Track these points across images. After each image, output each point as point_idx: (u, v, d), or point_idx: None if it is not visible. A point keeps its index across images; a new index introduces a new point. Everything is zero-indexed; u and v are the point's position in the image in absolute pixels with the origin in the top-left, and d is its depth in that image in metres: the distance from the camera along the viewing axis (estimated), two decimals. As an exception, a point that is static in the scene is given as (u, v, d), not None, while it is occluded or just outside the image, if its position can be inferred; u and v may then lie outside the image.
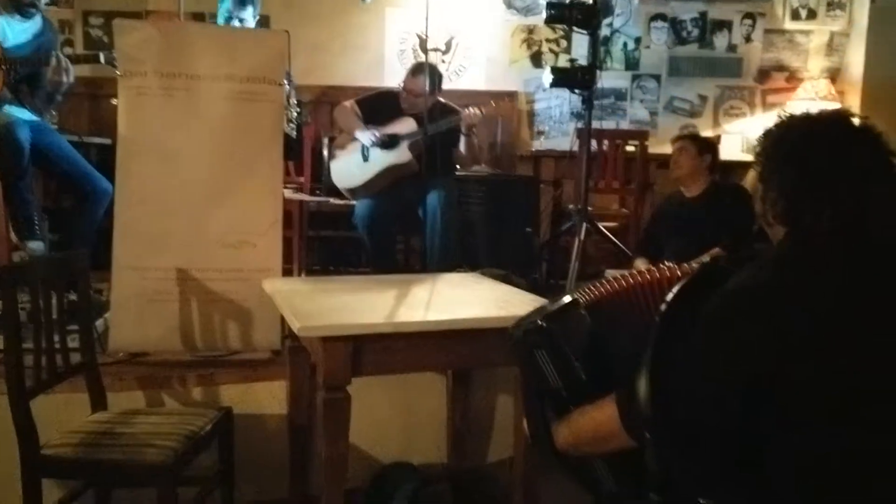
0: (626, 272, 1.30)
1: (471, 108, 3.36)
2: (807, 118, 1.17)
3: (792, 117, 1.18)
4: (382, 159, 3.39)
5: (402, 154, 3.36)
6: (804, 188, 1.09)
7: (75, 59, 3.08)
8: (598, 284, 1.30)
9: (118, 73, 2.47)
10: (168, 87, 2.45)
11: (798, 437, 1.02)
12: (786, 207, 1.11)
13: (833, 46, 5.21)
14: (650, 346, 1.11)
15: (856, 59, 5.12)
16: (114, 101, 2.56)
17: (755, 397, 1.03)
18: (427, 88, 3.34)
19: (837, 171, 1.08)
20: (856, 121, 1.14)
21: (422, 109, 3.34)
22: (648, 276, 1.25)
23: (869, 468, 1.01)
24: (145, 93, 2.46)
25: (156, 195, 2.47)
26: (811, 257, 1.08)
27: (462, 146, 3.46)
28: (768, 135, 1.18)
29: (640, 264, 3.20)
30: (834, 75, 5.18)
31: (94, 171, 3.10)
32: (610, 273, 2.77)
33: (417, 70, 3.48)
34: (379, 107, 3.54)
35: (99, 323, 2.55)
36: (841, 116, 1.17)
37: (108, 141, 3.83)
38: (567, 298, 1.30)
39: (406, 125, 3.42)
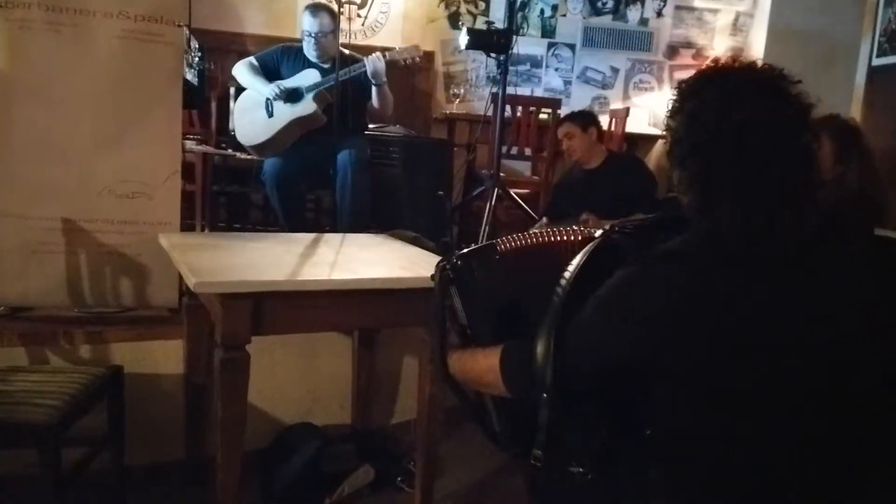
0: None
1: (374, 54, 3.23)
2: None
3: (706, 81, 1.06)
4: (287, 113, 3.28)
5: (307, 106, 3.26)
6: (717, 185, 1.02)
7: (-52, -15, 2.78)
8: (519, 236, 1.33)
9: (-2, 3, 2.26)
10: (55, 21, 2.26)
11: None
12: (700, 199, 1.05)
13: (738, 26, 5.40)
14: (550, 313, 1.11)
15: (758, 40, 5.33)
16: (-6, 35, 2.34)
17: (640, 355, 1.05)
18: (331, 26, 3.26)
19: (751, 178, 1.00)
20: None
21: (332, 55, 3.25)
22: (566, 237, 1.27)
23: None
24: (29, 27, 2.26)
25: (41, 140, 2.30)
26: (717, 253, 1.02)
27: (374, 98, 3.35)
28: (679, 108, 1.07)
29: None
30: (737, 55, 5.37)
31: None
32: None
33: (315, 11, 3.33)
34: (281, 62, 3.40)
35: (-24, 275, 2.38)
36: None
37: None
38: (487, 243, 1.36)
39: (309, 77, 3.31)
